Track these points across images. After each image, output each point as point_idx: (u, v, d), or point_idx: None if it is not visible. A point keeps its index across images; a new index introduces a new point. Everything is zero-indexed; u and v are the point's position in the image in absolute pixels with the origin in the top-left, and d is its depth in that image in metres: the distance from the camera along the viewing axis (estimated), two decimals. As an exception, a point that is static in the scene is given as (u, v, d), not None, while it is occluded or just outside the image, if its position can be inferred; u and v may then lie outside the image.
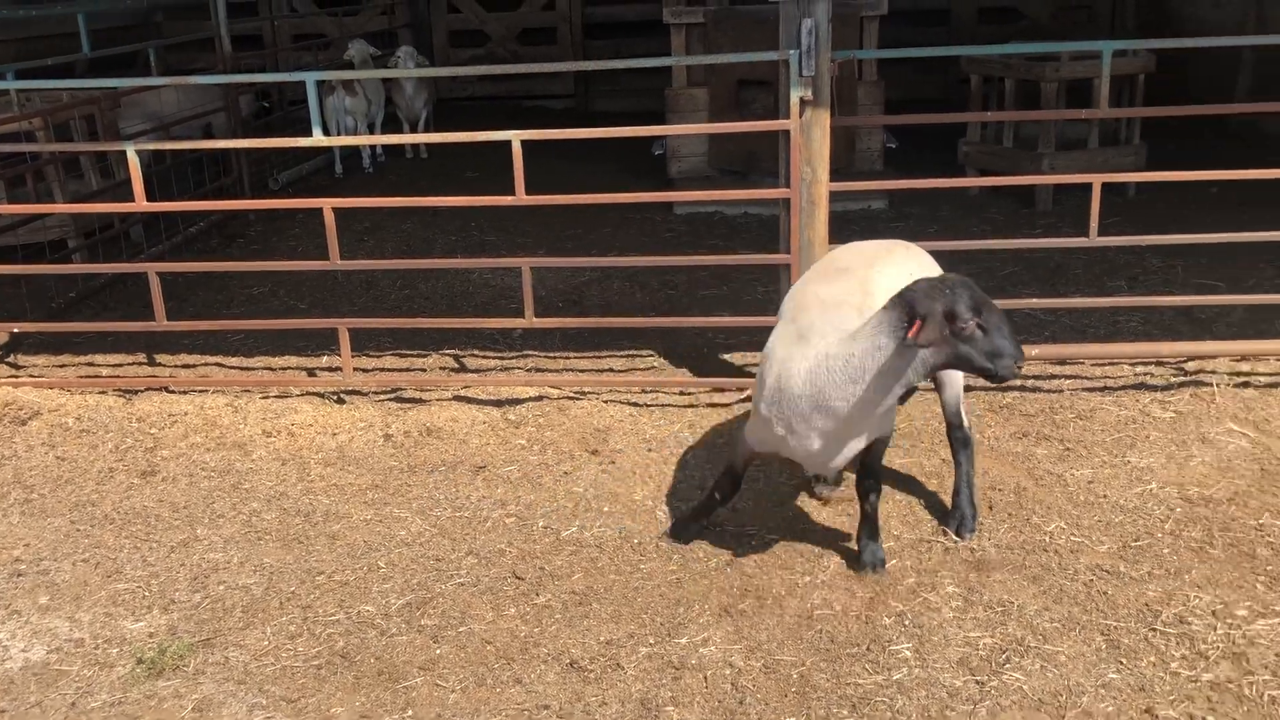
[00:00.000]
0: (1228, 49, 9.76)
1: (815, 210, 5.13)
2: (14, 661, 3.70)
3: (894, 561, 4.03)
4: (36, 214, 7.22)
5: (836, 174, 5.23)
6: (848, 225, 7.60)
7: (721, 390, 5.54)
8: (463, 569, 4.13)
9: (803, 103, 4.98)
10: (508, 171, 5.22)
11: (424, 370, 6.04)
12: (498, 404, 5.47)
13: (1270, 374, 5.39)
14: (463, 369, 6.04)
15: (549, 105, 13.93)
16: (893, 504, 4.43)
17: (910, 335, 3.40)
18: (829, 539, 4.20)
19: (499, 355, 6.19)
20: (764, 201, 7.78)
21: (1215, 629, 3.56)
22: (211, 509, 4.63)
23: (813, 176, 5.09)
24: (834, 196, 5.20)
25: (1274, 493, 4.35)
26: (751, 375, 5.71)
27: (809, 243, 5.16)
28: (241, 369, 6.15)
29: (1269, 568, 3.87)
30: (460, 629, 3.78)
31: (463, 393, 5.61)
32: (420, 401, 5.56)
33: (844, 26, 8.12)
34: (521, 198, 5.25)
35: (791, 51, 4.92)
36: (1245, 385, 5.28)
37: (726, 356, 6.05)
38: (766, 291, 6.89)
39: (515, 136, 5.18)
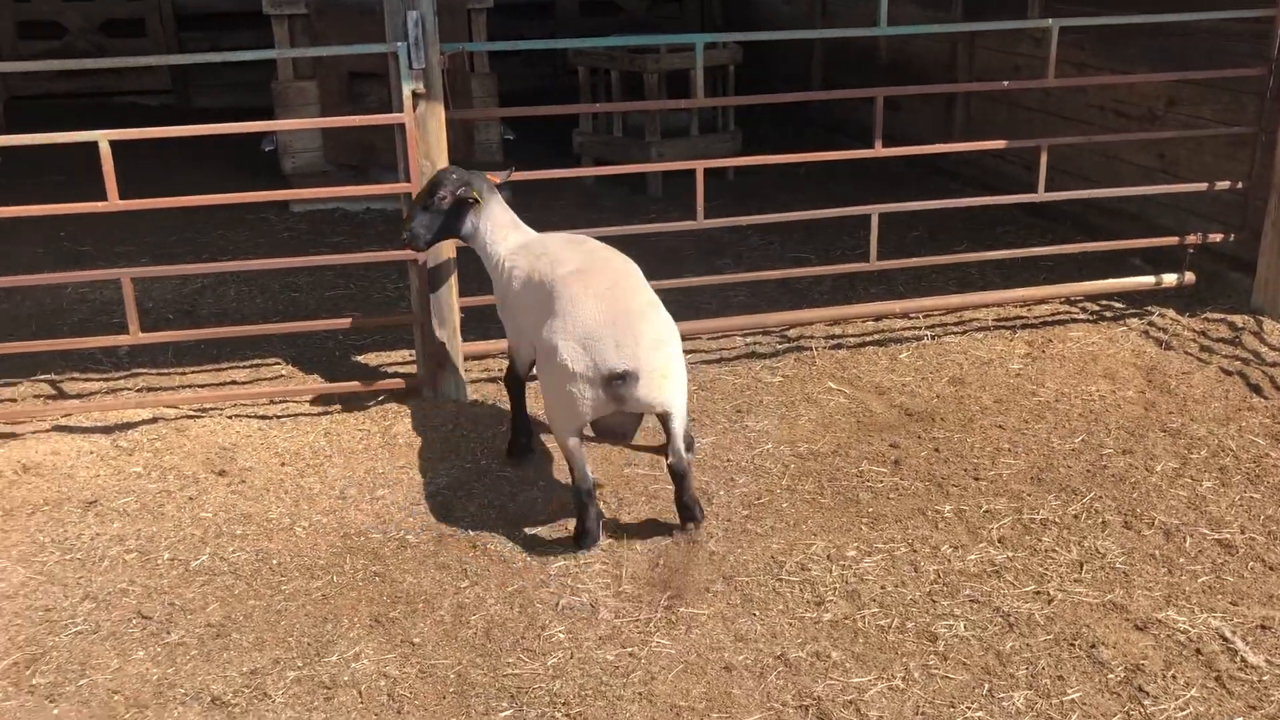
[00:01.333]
0: (802, 42, 10.70)
1: (437, 205, 5.08)
2: None
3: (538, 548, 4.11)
4: None
5: (457, 166, 5.21)
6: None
7: (356, 394, 5.38)
8: (79, 616, 3.75)
9: (415, 96, 4.92)
10: (96, 174, 4.77)
11: (14, 400, 5.41)
12: (106, 430, 5.00)
13: (858, 335, 5.99)
14: (62, 395, 5.46)
15: (143, 102, 12.86)
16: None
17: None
18: (480, 530, 4.21)
19: (104, 377, 5.66)
20: (386, 196, 7.63)
21: (831, 571, 3.92)
22: None
23: (432, 169, 5.04)
24: (455, 190, 5.18)
25: (869, 442, 4.85)
26: (389, 376, 5.60)
27: (433, 237, 5.10)
28: None
29: (870, 510, 4.32)
30: (81, 682, 3.43)
31: (64, 422, 5.08)
32: (13, 436, 4.97)
33: (452, 19, 8.09)
34: (115, 203, 4.81)
35: (400, 44, 4.84)
36: (839, 347, 5.84)
37: (360, 358, 5.89)
38: (397, 288, 6.78)
39: (103, 136, 4.74)
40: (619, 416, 4.09)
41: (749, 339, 5.98)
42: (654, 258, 7.33)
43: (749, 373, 5.58)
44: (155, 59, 5.10)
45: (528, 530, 4.22)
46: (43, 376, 5.63)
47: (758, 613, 3.72)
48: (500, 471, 4.67)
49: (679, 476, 4.09)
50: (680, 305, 6.51)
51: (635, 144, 8.88)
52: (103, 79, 12.69)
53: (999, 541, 4.10)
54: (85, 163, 5.15)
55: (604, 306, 4.01)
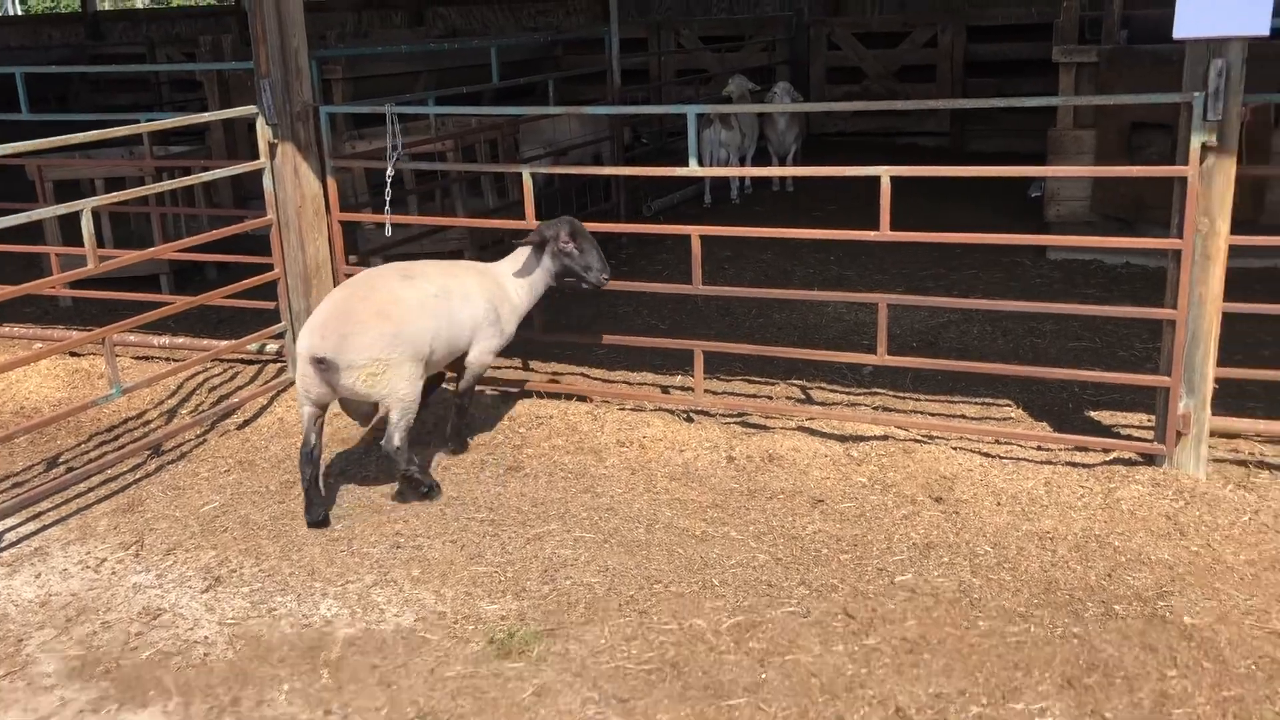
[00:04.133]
0: None
1: (1210, 264, 4.71)
2: (388, 624, 4.12)
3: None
4: (440, 226, 8.00)
5: (1239, 227, 4.78)
6: (1248, 282, 6.91)
7: (1085, 449, 5.20)
8: (794, 598, 4.14)
9: (1205, 148, 4.60)
10: (871, 207, 5.21)
11: (770, 398, 6.11)
12: (841, 439, 5.44)
13: None
14: (809, 400, 6.06)
15: (921, 143, 13.71)
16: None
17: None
18: (1195, 623, 3.82)
19: (846, 390, 6.16)
20: (1149, 252, 7.25)
21: None
22: (566, 508, 4.92)
23: (1210, 228, 4.68)
24: (1234, 251, 4.76)
25: None
26: (1123, 437, 5.33)
27: (1200, 299, 4.74)
28: (603, 380, 6.51)
29: None
30: (787, 657, 3.79)
31: (807, 424, 5.63)
32: (764, 428, 5.63)
33: (1261, 67, 7.39)
34: (886, 233, 5.20)
35: (1196, 94, 4.56)
36: None
37: (1092, 414, 5.68)
38: (1145, 348, 6.42)
39: (885, 172, 5.14)
40: (353, 400, 4.90)
41: None
42: None
43: None
44: (933, 103, 5.39)
45: (1254, 634, 3.74)
46: (796, 381, 6.30)
47: None
48: (1232, 565, 4.19)
49: (386, 458, 4.93)
50: None
51: None
52: (888, 120, 13.75)
53: None
54: (861, 196, 5.63)
55: (332, 302, 4.85)
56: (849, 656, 3.77)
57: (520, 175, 5.92)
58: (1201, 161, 4.62)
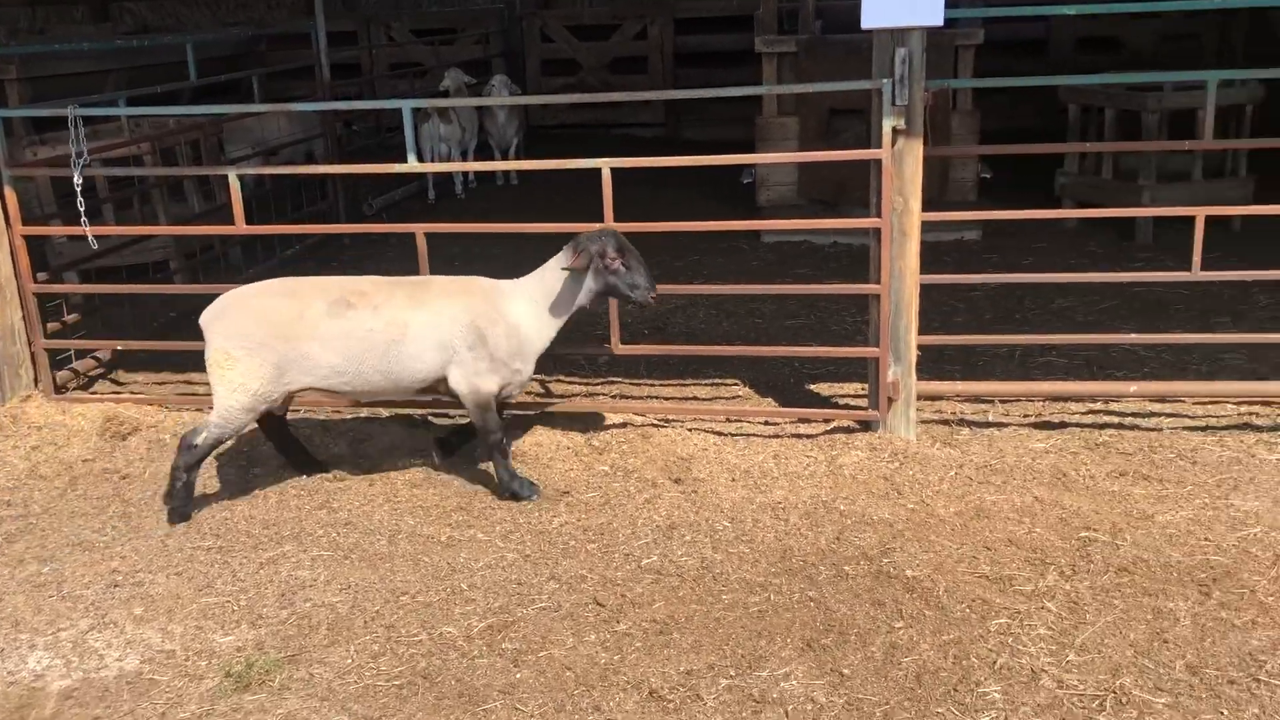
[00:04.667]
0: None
1: (906, 240, 5.06)
2: (109, 670, 3.79)
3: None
4: (141, 235, 7.45)
5: (929, 204, 5.15)
6: (940, 255, 7.49)
7: (808, 421, 5.48)
8: (545, 594, 4.13)
9: (895, 132, 4.93)
10: (595, 198, 5.26)
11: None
12: (582, 429, 5.48)
13: None
14: (548, 394, 6.07)
15: (638, 133, 14.03)
16: (982, 541, 4.31)
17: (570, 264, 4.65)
18: (916, 575, 4.11)
19: (584, 381, 6.21)
20: (854, 231, 7.72)
21: (1326, 683, 3.40)
22: (301, 527, 4.70)
23: (904, 206, 5.02)
24: (926, 226, 5.13)
25: (1390, 541, 4.15)
26: (841, 407, 5.65)
27: (900, 273, 5.08)
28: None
29: (1385, 620, 3.68)
30: (540, 654, 3.77)
31: (547, 417, 5.63)
32: (505, 425, 5.59)
33: (939, 55, 8.03)
34: (610, 225, 5.27)
35: (884, 80, 4.87)
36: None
37: (813, 387, 5.99)
38: (855, 321, 6.82)
39: (605, 164, 5.21)
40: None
41: (1244, 408, 5.35)
42: (1139, 308, 6.82)
43: (1240, 445, 4.99)
44: (651, 94, 5.49)
45: (966, 580, 4.06)
46: (535, 376, 6.28)
47: (1226, 711, 3.30)
48: (944, 517, 4.53)
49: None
50: (1162, 363, 5.99)
51: (1126, 187, 8.28)
52: (605, 112, 13.98)
53: None
54: (585, 187, 5.68)
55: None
56: (601, 645, 3.80)
57: (227, 178, 5.59)
58: (893, 144, 4.95)
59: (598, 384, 6.16)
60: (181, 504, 4.79)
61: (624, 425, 5.50)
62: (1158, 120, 8.05)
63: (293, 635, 3.94)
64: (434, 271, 5.62)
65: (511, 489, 4.83)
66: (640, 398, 5.97)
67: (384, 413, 5.82)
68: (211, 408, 4.71)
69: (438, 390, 4.89)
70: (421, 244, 5.51)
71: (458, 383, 4.77)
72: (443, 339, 4.70)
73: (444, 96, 10.73)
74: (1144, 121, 8.11)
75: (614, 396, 5.99)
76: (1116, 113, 8.37)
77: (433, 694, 3.60)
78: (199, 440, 4.72)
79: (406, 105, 5.44)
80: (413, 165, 5.54)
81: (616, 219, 5.26)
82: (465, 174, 11.27)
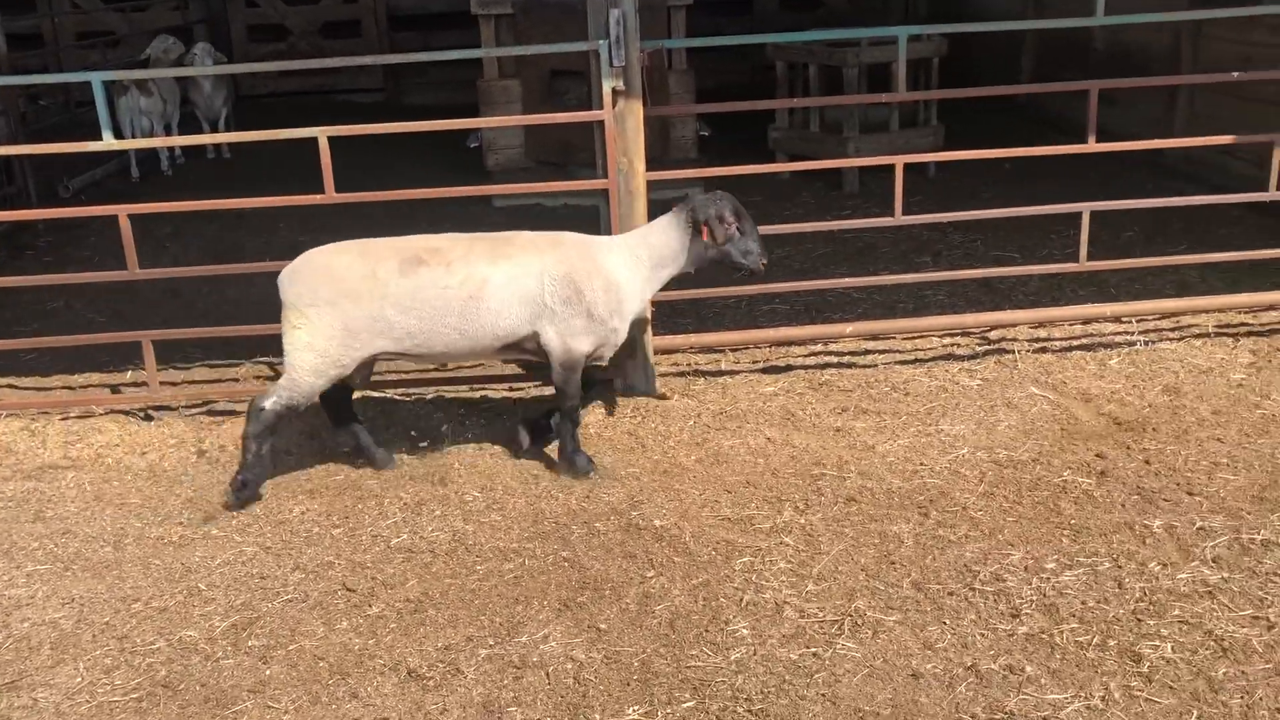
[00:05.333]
0: (1012, 33, 10.31)
1: (634, 200, 5.15)
2: None
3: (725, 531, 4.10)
4: None
5: (653, 163, 5.27)
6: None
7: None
8: (290, 585, 3.98)
9: (615, 93, 4.99)
10: (315, 169, 5.06)
11: (237, 380, 5.79)
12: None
13: (1065, 339, 5.73)
14: (278, 376, 5.80)
15: (358, 100, 13.59)
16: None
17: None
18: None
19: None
20: (584, 191, 7.78)
21: (1029, 583, 3.76)
22: (11, 542, 4.31)
23: (629, 167, 5.11)
24: (652, 185, 5.24)
25: (1073, 451, 4.63)
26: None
27: (629, 232, 5.17)
28: (37, 389, 5.76)
29: (1072, 522, 4.12)
30: (290, 647, 3.63)
31: (281, 401, 5.40)
32: (235, 414, 5.32)
33: (652, 17, 8.18)
34: (331, 195, 5.10)
35: (601, 42, 4.92)
36: (1043, 350, 5.60)
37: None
38: (589, 282, 6.89)
39: (322, 133, 5.02)
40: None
41: (947, 340, 5.81)
42: (850, 254, 7.26)
43: (945, 375, 5.42)
44: (369, 59, 5.32)
45: (710, 524, 4.22)
46: (264, 358, 6.01)
47: (948, 621, 3.60)
48: (686, 465, 4.69)
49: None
50: (874, 304, 6.41)
51: (832, 139, 8.76)
52: (322, 78, 13.44)
53: (1213, 561, 3.84)
54: (305, 157, 5.45)
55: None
56: (355, 631, 3.71)
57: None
58: (614, 105, 5.02)
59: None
60: (254, 477, 4.49)
61: (362, 400, 5.36)
62: (857, 74, 8.54)
63: (10, 660, 3.62)
64: (144, 255, 5.25)
65: (573, 461, 4.64)
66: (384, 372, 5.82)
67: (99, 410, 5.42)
68: None
69: (524, 350, 4.64)
70: (126, 226, 5.12)
71: (550, 340, 4.52)
72: (529, 294, 4.46)
73: (145, 65, 9.98)
74: (845, 76, 8.59)
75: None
76: (819, 68, 8.81)
77: (176, 703, 3.40)
78: (267, 404, 4.43)
79: (96, 78, 5.03)
80: (110, 143, 5.13)
81: (338, 189, 5.08)
82: (171, 149, 10.56)
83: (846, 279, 6.31)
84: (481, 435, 5.03)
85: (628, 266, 4.61)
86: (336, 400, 4.73)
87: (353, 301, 4.37)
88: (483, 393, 5.47)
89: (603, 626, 3.67)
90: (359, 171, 6.43)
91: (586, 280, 4.48)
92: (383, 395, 5.43)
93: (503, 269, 4.44)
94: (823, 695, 3.31)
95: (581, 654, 3.54)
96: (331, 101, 13.37)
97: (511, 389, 5.49)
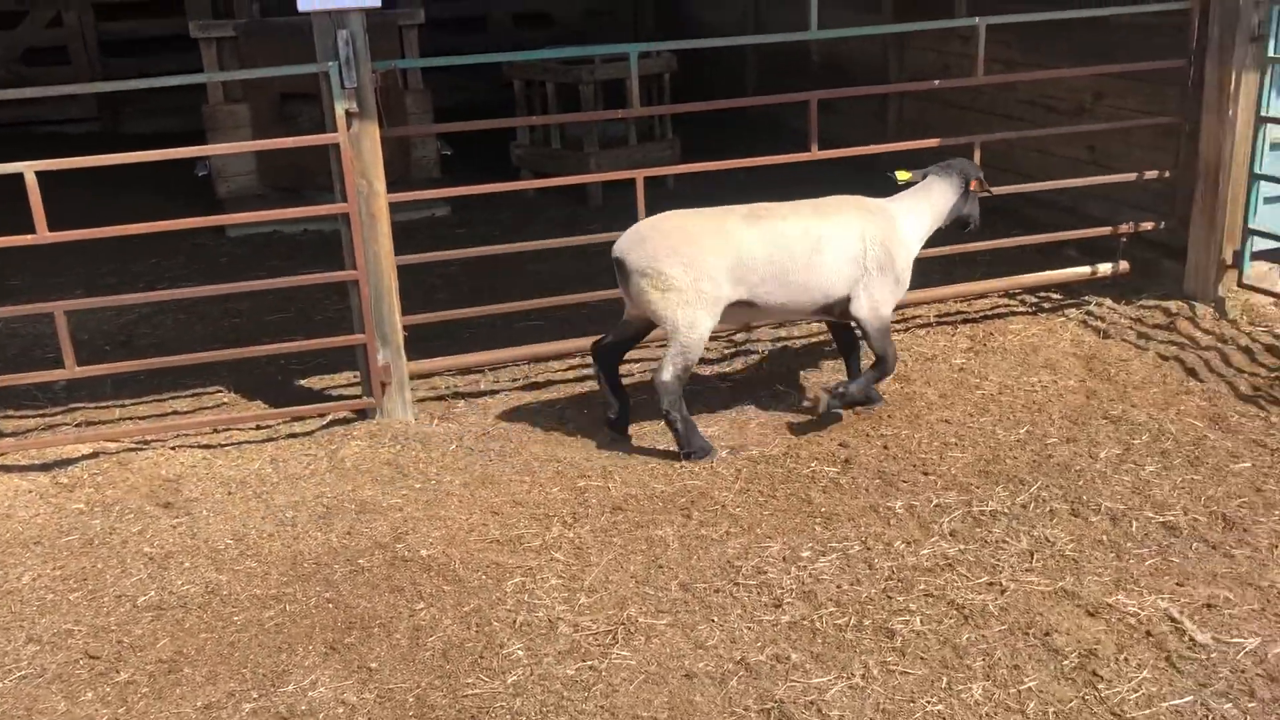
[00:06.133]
0: (736, 48, 10.77)
1: (376, 223, 5.04)
2: None
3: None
4: None
5: (394, 184, 5.17)
6: (414, 234, 7.56)
7: (302, 419, 5.31)
8: (23, 660, 3.66)
9: (349, 114, 4.88)
10: (25, 206, 4.67)
11: (-53, 442, 5.27)
12: (45, 468, 4.90)
13: (804, 336, 6.03)
14: (-3, 434, 5.34)
15: (69, 130, 12.63)
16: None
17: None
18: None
19: (41, 413, 5.54)
20: (326, 217, 7.54)
21: (788, 573, 3.94)
22: None
23: (369, 189, 5.00)
24: (395, 207, 5.15)
25: (819, 442, 4.87)
26: (336, 399, 5.53)
27: (375, 256, 5.06)
28: None
29: (823, 509, 4.34)
30: (28, 728, 3.34)
31: (1, 461, 4.96)
32: (-53, 478, 4.84)
33: (383, 36, 8.04)
34: (44, 235, 4.72)
35: (331, 63, 4.79)
36: (784, 350, 5.88)
37: (304, 383, 5.82)
38: (339, 310, 6.69)
39: (29, 168, 4.64)
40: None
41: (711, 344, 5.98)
42: (598, 267, 7.34)
43: (702, 380, 5.59)
44: (81, 87, 5.00)
45: (479, 548, 4.19)
46: (-24, 415, 5.50)
47: (716, 619, 3.72)
48: (451, 490, 4.63)
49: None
50: (615, 314, 6.52)
51: (574, 155, 8.88)
52: (24, 109, 12.41)
53: (950, 535, 4.14)
54: (11, 194, 5.03)
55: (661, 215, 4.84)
56: (102, 701, 3.44)
57: None
58: (349, 128, 4.90)
59: (56, 414, 5.52)
60: (700, 442, 4.71)
61: (96, 455, 5.00)
62: (593, 90, 8.70)
63: None
64: None
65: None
66: (111, 421, 5.44)
67: None
68: None
69: (831, 313, 4.84)
70: None
71: (861, 306, 4.74)
72: (854, 254, 4.69)
73: None
74: (581, 93, 8.72)
75: (79, 425, 5.40)
76: (556, 85, 8.91)
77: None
78: (667, 375, 4.63)
79: None
80: None
81: (52, 227, 4.71)
82: None
83: (598, 292, 6.40)
84: (211, 488, 4.79)
85: (914, 228, 4.91)
86: (613, 366, 4.96)
87: (714, 254, 4.57)
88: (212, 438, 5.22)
89: (373, 665, 3.57)
90: (73, 209, 5.99)
91: (897, 245, 4.77)
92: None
93: (832, 225, 4.70)
94: (601, 707, 3.34)
95: (353, 696, 3.43)
96: (38, 134, 12.37)
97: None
